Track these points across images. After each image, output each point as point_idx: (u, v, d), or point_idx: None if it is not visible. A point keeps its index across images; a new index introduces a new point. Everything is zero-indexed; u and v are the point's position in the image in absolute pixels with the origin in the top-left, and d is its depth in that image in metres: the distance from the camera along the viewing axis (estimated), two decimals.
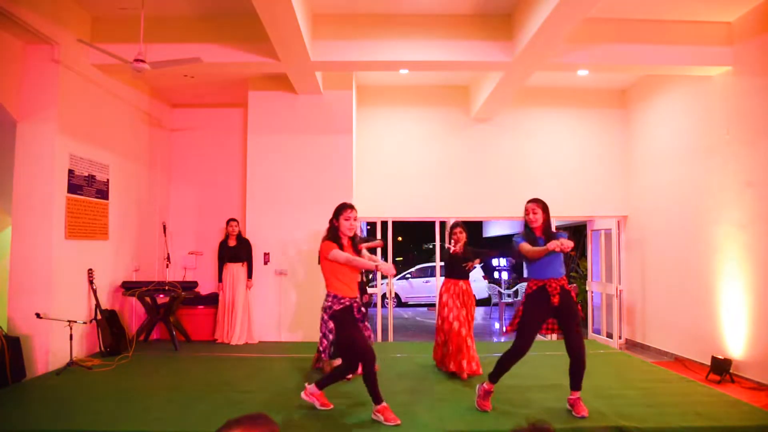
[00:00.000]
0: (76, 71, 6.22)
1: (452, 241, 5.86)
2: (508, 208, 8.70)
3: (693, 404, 4.67)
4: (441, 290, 5.85)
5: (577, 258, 13.48)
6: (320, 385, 4.37)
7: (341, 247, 4.22)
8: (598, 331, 8.94)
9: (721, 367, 6.10)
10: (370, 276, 5.49)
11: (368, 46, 6.45)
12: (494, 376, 4.41)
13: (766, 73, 5.96)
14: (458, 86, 8.82)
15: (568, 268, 13.87)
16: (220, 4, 6.19)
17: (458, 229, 5.77)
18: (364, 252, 4.46)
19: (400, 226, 19.14)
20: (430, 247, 25.18)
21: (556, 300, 4.25)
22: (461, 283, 5.72)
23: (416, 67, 6.88)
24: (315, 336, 7.61)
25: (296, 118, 7.93)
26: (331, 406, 4.42)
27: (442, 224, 8.91)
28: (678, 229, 7.40)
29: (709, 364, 6.35)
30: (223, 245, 7.61)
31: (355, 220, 4.32)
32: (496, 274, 16.19)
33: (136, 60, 5.15)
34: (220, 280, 7.57)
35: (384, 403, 4.14)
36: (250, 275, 7.61)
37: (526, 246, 4.33)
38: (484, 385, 4.46)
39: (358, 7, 6.31)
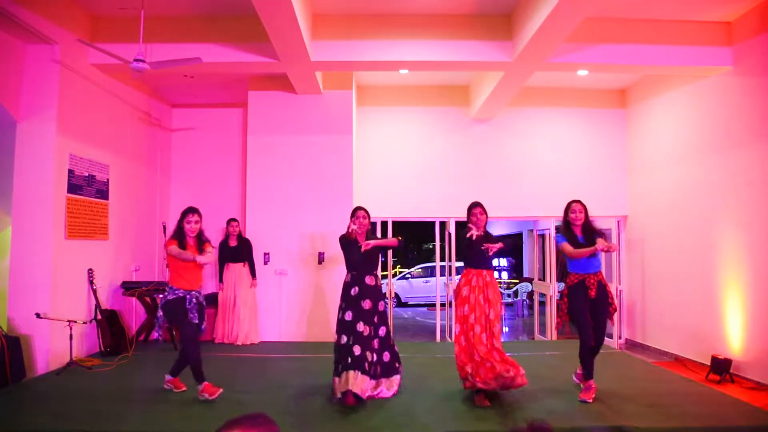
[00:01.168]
0: (76, 71, 6.22)
1: (471, 223, 4.97)
2: (509, 208, 8.70)
3: (693, 404, 4.67)
4: (460, 283, 4.92)
5: None
6: (172, 372, 4.91)
7: (184, 246, 4.69)
8: None
9: (721, 367, 6.09)
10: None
11: (368, 46, 6.45)
12: (589, 374, 4.83)
13: (766, 73, 5.95)
14: (458, 86, 8.82)
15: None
16: (220, 4, 6.19)
17: (478, 209, 4.94)
18: (208, 250, 4.81)
19: (401, 226, 19.13)
20: (430, 247, 25.20)
21: (593, 293, 4.73)
22: (485, 273, 4.86)
23: (416, 67, 6.88)
24: (315, 336, 7.65)
25: (296, 118, 7.93)
26: (184, 388, 4.88)
27: (442, 224, 8.90)
28: (678, 229, 7.40)
29: (709, 364, 6.34)
30: (224, 245, 7.60)
31: (196, 223, 4.77)
32: (495, 274, 16.21)
33: (136, 60, 5.15)
34: (220, 280, 7.56)
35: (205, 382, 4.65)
36: (254, 275, 7.60)
37: (568, 247, 4.79)
38: (584, 382, 4.86)
39: (357, 7, 6.31)
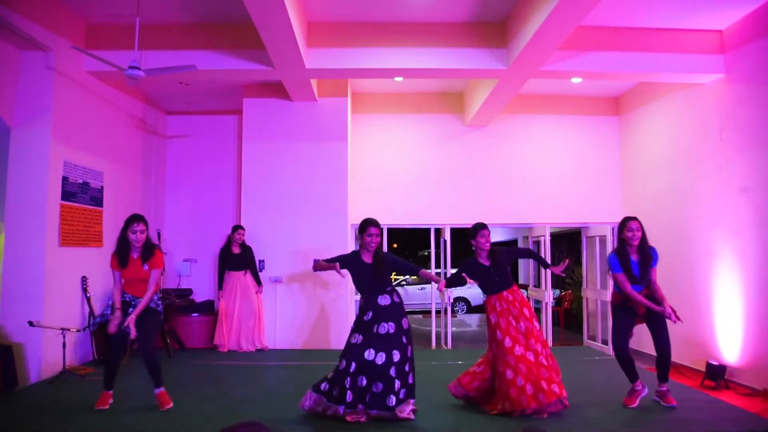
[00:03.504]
0: (71, 78, 6.21)
1: (479, 245, 4.71)
2: (504, 215, 8.72)
3: (688, 410, 4.68)
4: (486, 311, 4.75)
5: (571, 265, 13.51)
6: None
7: (126, 261, 4.56)
8: (593, 338, 8.94)
9: (715, 374, 6.10)
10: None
11: (363, 53, 6.47)
12: (634, 377, 4.83)
13: (757, 80, 6.01)
14: (453, 93, 8.86)
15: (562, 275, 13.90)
16: (215, 11, 6.20)
17: (486, 231, 4.73)
18: (154, 263, 4.64)
19: (396, 233, 19.15)
20: (425, 254, 25.21)
21: (642, 310, 4.68)
22: (505, 294, 4.67)
23: (411, 74, 6.91)
24: (311, 343, 7.63)
25: (291, 126, 7.94)
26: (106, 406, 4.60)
27: (437, 231, 8.91)
28: (672, 235, 7.43)
29: (704, 370, 6.35)
30: (227, 252, 7.52)
31: (141, 233, 4.56)
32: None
33: (131, 67, 5.14)
34: (220, 287, 7.50)
35: (109, 392, 4.62)
36: (258, 282, 7.58)
37: (626, 286, 4.67)
38: (660, 388, 4.88)
39: (353, 15, 6.34)
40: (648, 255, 4.65)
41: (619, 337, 4.82)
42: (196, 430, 4.17)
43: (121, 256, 4.55)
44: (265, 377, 5.97)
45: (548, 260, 7.47)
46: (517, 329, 4.50)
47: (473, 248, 4.81)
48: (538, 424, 4.16)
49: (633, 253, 4.67)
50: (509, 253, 5.14)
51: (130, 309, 4.59)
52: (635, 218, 4.68)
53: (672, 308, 4.64)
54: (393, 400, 4.21)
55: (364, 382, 4.21)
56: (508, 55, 6.39)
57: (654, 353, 4.96)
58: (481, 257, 4.75)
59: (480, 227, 4.74)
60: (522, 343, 4.44)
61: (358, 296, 4.65)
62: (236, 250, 7.47)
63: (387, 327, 4.33)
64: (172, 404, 4.63)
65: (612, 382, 5.72)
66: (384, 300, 4.42)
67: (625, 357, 4.78)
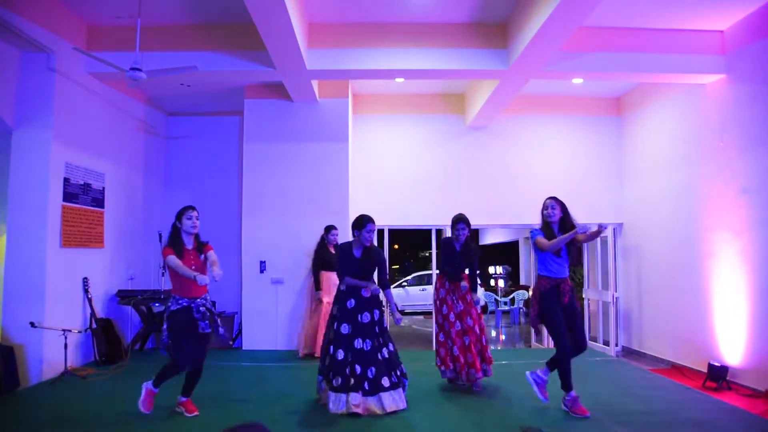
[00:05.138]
0: (72, 79, 6.22)
1: (455, 237, 5.50)
2: (505, 216, 8.71)
3: (690, 411, 4.67)
4: (436, 286, 5.65)
5: (573, 265, 13.51)
6: (155, 383, 4.45)
7: (181, 252, 4.33)
8: (594, 339, 8.93)
9: (717, 375, 6.10)
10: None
11: (364, 54, 6.47)
12: (568, 384, 4.53)
13: (758, 80, 6.00)
14: (454, 94, 8.85)
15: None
16: (216, 12, 6.21)
17: (462, 225, 5.46)
18: (210, 254, 4.45)
19: (397, 234, 19.14)
20: (426, 255, 25.19)
21: (566, 299, 4.51)
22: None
23: (412, 75, 6.90)
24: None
25: (292, 126, 7.94)
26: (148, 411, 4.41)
27: (438, 232, 8.91)
28: (673, 235, 7.43)
29: (705, 371, 6.35)
30: (323, 253, 7.24)
31: (197, 219, 4.44)
32: (492, 282, 16.22)
33: (132, 68, 5.15)
34: (318, 288, 7.17)
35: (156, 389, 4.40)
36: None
37: (542, 240, 4.51)
38: (567, 397, 4.55)
39: (354, 16, 6.34)
40: (571, 227, 4.52)
41: (563, 334, 4.47)
42: (197, 431, 4.16)
43: (177, 246, 4.34)
44: (267, 379, 5.97)
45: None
46: (457, 308, 5.38)
47: (452, 235, 5.56)
48: (538, 425, 4.16)
49: (557, 231, 4.62)
50: (474, 253, 5.57)
51: (197, 314, 4.30)
52: (554, 197, 4.71)
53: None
54: (387, 381, 4.54)
55: (359, 369, 4.49)
56: (509, 55, 6.39)
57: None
58: (457, 243, 5.49)
59: (457, 221, 5.47)
60: (462, 320, 5.36)
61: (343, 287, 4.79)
62: (332, 250, 7.28)
63: (369, 316, 4.66)
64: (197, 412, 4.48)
65: (612, 383, 5.72)
66: (365, 291, 4.69)
67: (569, 359, 4.49)
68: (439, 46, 6.48)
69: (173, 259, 4.23)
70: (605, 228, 4.35)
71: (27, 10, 5.41)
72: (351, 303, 4.67)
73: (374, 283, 4.82)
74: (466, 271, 5.55)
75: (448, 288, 5.48)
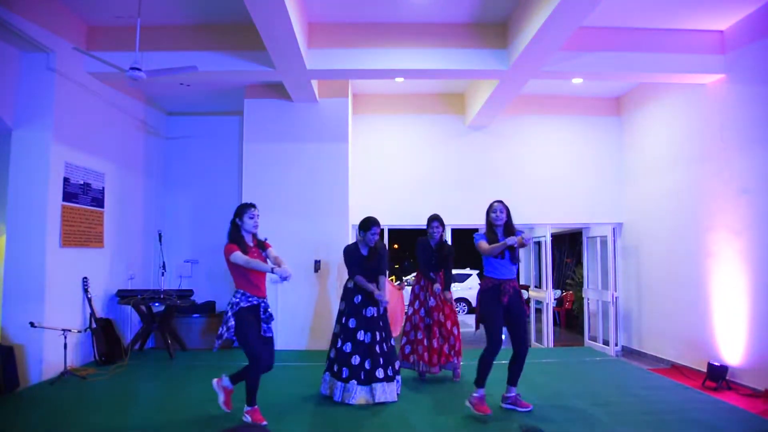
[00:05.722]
0: (72, 79, 6.22)
1: (430, 234, 5.90)
2: None
3: (690, 411, 4.67)
4: (413, 283, 6.02)
5: (573, 265, 13.51)
6: (232, 380, 4.41)
7: (245, 249, 4.22)
8: (594, 339, 8.93)
9: (717, 374, 6.10)
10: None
11: (364, 54, 6.47)
12: (480, 380, 4.50)
13: (758, 80, 6.00)
14: (454, 94, 8.85)
15: (564, 275, 13.91)
16: (216, 12, 6.21)
17: (436, 223, 5.86)
18: (270, 252, 4.40)
19: (397, 234, 19.11)
20: None
21: (505, 299, 4.56)
22: (432, 275, 5.83)
23: (412, 75, 6.90)
24: (312, 344, 7.62)
25: (292, 126, 7.94)
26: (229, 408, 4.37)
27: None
28: (673, 235, 7.43)
29: (705, 370, 6.35)
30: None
31: (258, 217, 4.35)
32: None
33: (132, 68, 5.15)
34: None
35: (255, 407, 4.18)
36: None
37: (483, 244, 4.62)
38: (475, 394, 4.49)
39: (354, 16, 6.34)
40: (512, 231, 4.69)
41: (496, 331, 4.51)
42: (197, 431, 4.16)
43: (240, 243, 4.23)
44: (267, 378, 5.95)
45: (550, 262, 7.43)
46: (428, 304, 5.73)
47: (427, 234, 5.91)
48: (537, 425, 4.17)
49: (501, 234, 4.73)
50: (449, 252, 5.89)
51: (263, 314, 4.26)
52: (500, 201, 4.81)
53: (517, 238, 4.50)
54: (381, 372, 4.83)
55: (357, 360, 4.83)
56: (509, 55, 6.39)
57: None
58: (432, 241, 5.86)
59: (432, 219, 5.86)
60: (431, 315, 5.72)
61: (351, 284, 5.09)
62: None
63: (372, 311, 4.98)
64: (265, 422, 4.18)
65: (612, 383, 5.72)
66: (371, 286, 5.01)
67: (493, 358, 4.52)
68: (439, 46, 6.48)
69: (240, 255, 4.12)
70: (526, 240, 4.49)
71: (27, 10, 5.41)
72: (358, 299, 5.00)
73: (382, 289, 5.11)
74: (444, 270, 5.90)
75: (423, 284, 5.84)
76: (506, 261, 4.63)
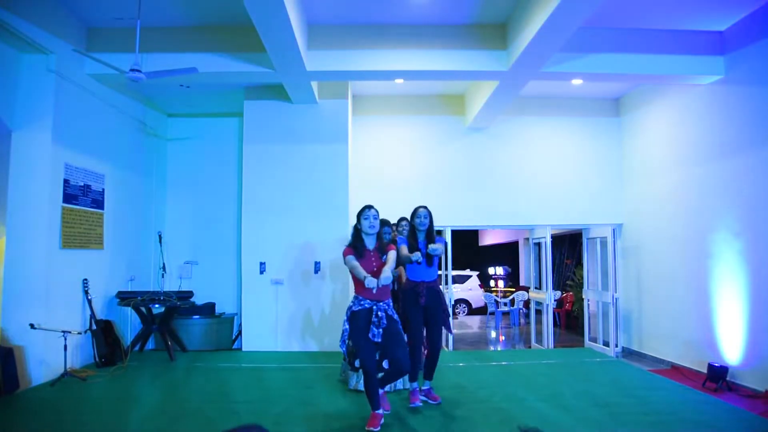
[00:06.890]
0: (72, 81, 6.22)
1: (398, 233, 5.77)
2: (504, 217, 8.72)
3: (690, 412, 4.67)
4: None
5: (573, 266, 13.51)
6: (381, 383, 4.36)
7: (362, 252, 4.28)
8: (594, 340, 8.93)
9: (717, 375, 6.10)
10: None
11: (363, 55, 6.48)
12: (413, 377, 4.79)
13: (757, 81, 6.01)
14: (453, 95, 8.86)
15: (564, 276, 13.92)
16: (216, 14, 6.21)
17: (404, 222, 5.75)
18: (389, 255, 4.31)
19: None
20: None
21: (422, 300, 4.80)
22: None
23: (411, 76, 6.90)
24: (311, 346, 7.62)
25: (292, 128, 7.94)
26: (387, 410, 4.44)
27: (438, 233, 8.89)
28: (673, 236, 7.43)
29: (705, 371, 6.35)
30: None
31: (375, 219, 4.35)
32: (492, 283, 16.21)
33: (132, 70, 5.15)
34: None
35: (372, 412, 4.20)
36: None
37: (403, 249, 4.74)
38: (414, 384, 4.84)
39: (353, 18, 6.34)
40: (433, 240, 4.92)
41: (414, 329, 4.80)
42: (198, 431, 4.17)
43: (358, 247, 4.28)
44: (266, 380, 5.97)
45: (550, 263, 7.42)
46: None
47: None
48: (537, 425, 4.16)
49: (423, 239, 4.95)
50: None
51: (375, 318, 4.19)
52: (425, 206, 5.01)
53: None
54: (387, 364, 4.54)
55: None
56: (508, 56, 6.39)
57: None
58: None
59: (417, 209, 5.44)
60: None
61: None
62: None
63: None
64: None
65: (613, 383, 5.72)
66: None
67: (418, 348, 4.77)
68: (439, 47, 6.49)
69: (351, 259, 4.21)
70: (433, 251, 4.71)
71: (27, 12, 5.42)
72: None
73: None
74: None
75: None
76: (423, 265, 4.87)
